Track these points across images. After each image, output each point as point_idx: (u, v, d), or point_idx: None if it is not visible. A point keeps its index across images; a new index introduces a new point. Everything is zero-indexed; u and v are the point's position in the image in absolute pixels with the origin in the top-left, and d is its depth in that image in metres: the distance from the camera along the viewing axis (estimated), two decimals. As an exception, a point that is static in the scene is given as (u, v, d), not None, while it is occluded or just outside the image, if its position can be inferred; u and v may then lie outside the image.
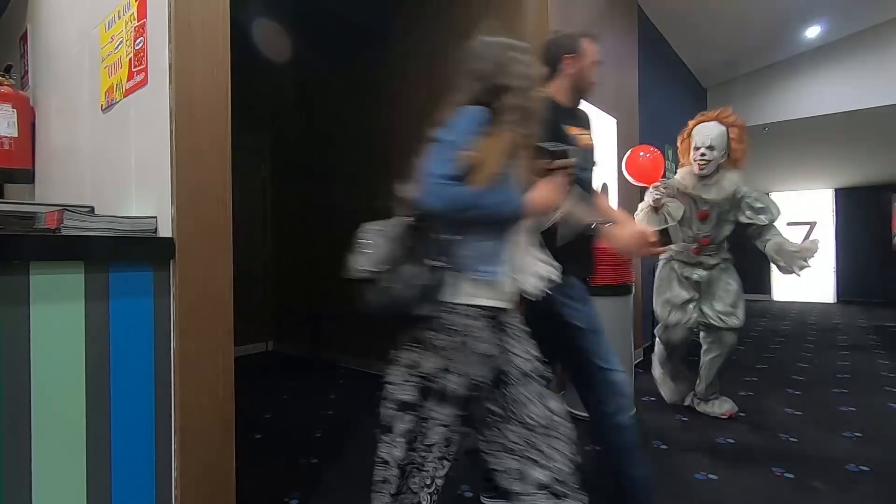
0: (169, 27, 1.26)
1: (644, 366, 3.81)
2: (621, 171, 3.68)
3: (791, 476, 1.93)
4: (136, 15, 1.37)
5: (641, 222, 2.50)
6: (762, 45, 5.59)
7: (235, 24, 1.45)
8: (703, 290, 2.56)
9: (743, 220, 2.44)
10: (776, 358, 4.10)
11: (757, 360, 3.99)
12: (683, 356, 2.76)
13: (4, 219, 1.36)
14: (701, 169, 2.39)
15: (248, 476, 1.84)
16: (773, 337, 5.13)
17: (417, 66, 3.44)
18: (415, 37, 3.46)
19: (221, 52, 1.36)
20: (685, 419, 2.61)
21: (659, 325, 2.74)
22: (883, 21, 5.26)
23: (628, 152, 2.73)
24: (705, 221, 2.47)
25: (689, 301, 2.56)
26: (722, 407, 2.61)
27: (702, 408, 2.67)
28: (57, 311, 1.09)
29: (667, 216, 2.44)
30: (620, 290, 2.61)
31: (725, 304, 2.49)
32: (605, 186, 3.03)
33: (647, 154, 2.72)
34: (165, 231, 1.27)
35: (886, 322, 6.33)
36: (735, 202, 2.44)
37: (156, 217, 1.30)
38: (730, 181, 2.40)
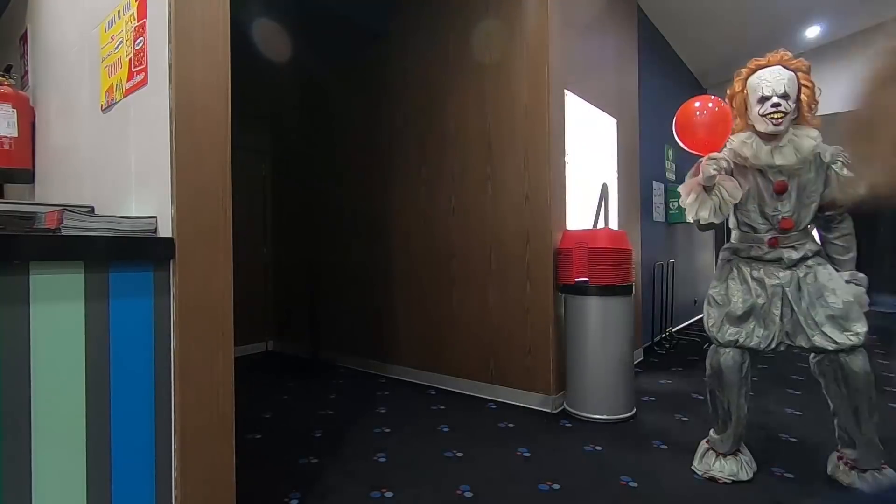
0: (169, 27, 1.26)
1: (643, 366, 3.81)
2: (621, 171, 3.68)
3: (791, 476, 1.93)
4: (136, 15, 1.37)
5: (693, 210, 1.85)
6: (762, 46, 5.56)
7: (235, 24, 1.45)
8: (789, 301, 1.80)
9: (834, 194, 1.78)
10: (776, 358, 4.10)
11: (757, 360, 3.99)
12: (740, 395, 1.89)
13: (4, 219, 1.36)
14: (777, 124, 1.75)
15: (248, 476, 1.83)
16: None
17: (417, 65, 3.44)
18: (415, 37, 3.46)
19: (221, 52, 1.36)
20: (685, 419, 2.61)
21: (711, 346, 1.97)
22: (883, 21, 5.26)
23: (678, 113, 1.85)
24: (783, 196, 1.80)
25: (750, 312, 1.84)
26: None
27: (859, 482, 1.78)
28: (57, 311, 1.09)
29: (721, 201, 1.80)
30: (621, 290, 2.61)
31: (829, 312, 1.74)
32: (605, 187, 3.02)
33: (705, 109, 1.80)
34: (165, 231, 1.27)
35: (886, 322, 6.33)
36: (820, 168, 1.80)
37: (156, 217, 1.30)
38: (809, 137, 1.78)
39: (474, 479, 1.93)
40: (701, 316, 2.28)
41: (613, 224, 3.46)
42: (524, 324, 2.86)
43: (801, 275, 1.81)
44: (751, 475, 1.90)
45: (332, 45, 3.96)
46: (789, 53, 1.82)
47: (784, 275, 1.82)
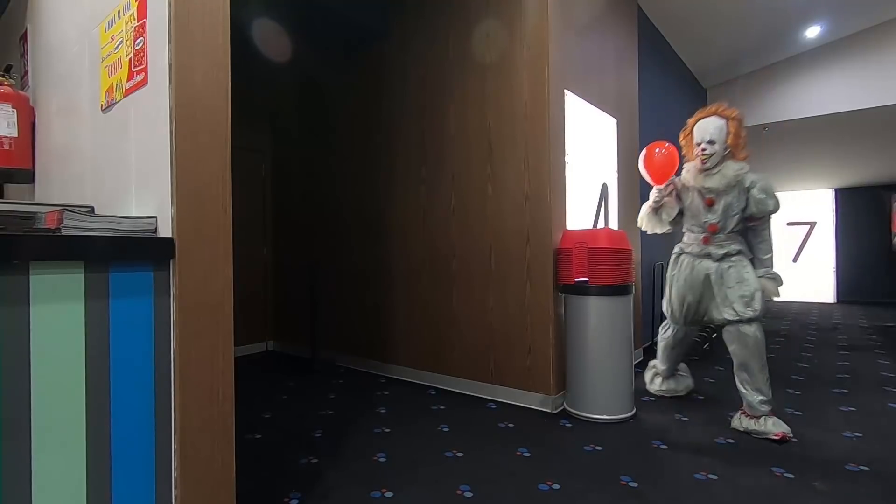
0: (169, 27, 1.26)
1: (643, 366, 3.80)
2: (621, 171, 3.68)
3: (791, 476, 1.93)
4: (136, 15, 1.37)
5: (643, 223, 2.73)
6: (762, 45, 5.59)
7: (235, 23, 1.45)
8: (712, 285, 2.52)
9: (752, 210, 2.46)
10: (776, 358, 4.10)
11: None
12: (680, 355, 2.91)
13: (4, 219, 1.36)
14: (703, 163, 2.48)
15: (248, 476, 1.84)
16: (773, 337, 5.13)
17: (417, 65, 3.44)
18: (415, 37, 3.46)
19: (221, 52, 1.36)
20: (685, 419, 2.61)
21: (665, 321, 2.85)
22: (883, 21, 5.26)
23: (643, 151, 2.63)
24: (711, 209, 2.52)
25: (692, 298, 2.61)
26: (776, 427, 2.30)
27: (748, 425, 2.38)
28: (57, 311, 1.09)
29: (663, 217, 2.66)
30: (620, 290, 2.61)
31: (737, 294, 2.42)
32: (605, 187, 3.03)
33: (662, 150, 2.58)
34: (165, 231, 1.27)
35: (886, 322, 6.33)
36: (742, 191, 2.47)
37: (156, 217, 1.30)
38: (731, 168, 2.46)
39: (474, 479, 1.93)
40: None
41: (613, 224, 3.46)
42: (524, 324, 2.86)
43: (725, 267, 2.50)
44: (690, 386, 2.94)
45: (332, 45, 3.95)
46: (725, 105, 2.53)
47: (712, 265, 2.53)
